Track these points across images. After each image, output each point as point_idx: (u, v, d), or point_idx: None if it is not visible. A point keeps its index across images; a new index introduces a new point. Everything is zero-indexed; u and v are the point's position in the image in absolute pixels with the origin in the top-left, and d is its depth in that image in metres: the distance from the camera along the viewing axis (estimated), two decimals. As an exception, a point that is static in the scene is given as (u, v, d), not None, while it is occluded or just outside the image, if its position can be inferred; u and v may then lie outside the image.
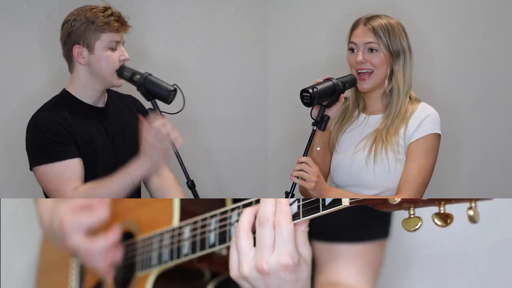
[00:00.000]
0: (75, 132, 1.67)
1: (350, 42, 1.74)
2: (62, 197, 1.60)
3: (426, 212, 0.88)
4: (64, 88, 1.76)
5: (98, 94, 1.75)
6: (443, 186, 2.25)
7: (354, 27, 1.74)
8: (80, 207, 1.55)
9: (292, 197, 1.62)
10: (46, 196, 1.73)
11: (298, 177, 1.62)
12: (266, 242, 1.01)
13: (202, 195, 1.72)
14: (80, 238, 1.52)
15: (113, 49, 1.68)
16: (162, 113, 1.64)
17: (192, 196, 1.68)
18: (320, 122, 1.70)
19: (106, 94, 1.80)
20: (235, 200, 1.40)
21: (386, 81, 1.73)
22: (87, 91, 1.73)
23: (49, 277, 1.81)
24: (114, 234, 1.51)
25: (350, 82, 1.72)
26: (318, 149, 1.75)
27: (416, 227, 0.84)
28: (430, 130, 1.66)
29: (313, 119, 1.71)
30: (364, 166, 1.68)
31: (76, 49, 1.68)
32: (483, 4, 2.22)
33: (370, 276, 1.47)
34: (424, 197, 0.90)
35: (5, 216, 2.05)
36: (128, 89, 1.78)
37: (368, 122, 1.76)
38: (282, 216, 1.02)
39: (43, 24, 2.20)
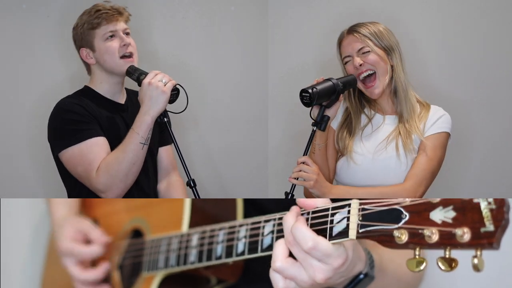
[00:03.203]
0: (98, 118, 1.74)
1: (342, 57, 1.77)
2: (91, 177, 1.64)
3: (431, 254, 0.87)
4: (85, 85, 1.84)
5: (116, 87, 1.83)
6: (452, 184, 2.25)
7: (340, 41, 1.78)
8: (79, 237, 1.58)
9: (292, 197, 1.62)
10: (70, 185, 1.77)
11: (297, 178, 1.62)
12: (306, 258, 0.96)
13: (202, 195, 1.72)
14: (71, 264, 1.57)
15: (111, 39, 1.75)
16: (167, 112, 1.72)
17: (192, 195, 1.68)
18: (320, 123, 1.70)
19: (125, 92, 1.88)
20: (246, 201, 1.40)
21: (390, 79, 1.75)
22: (105, 86, 1.81)
23: (57, 265, 1.82)
24: (100, 272, 1.55)
25: (350, 83, 1.73)
26: (320, 149, 1.75)
27: (421, 268, 0.85)
28: (443, 128, 1.73)
29: (313, 119, 1.71)
30: (393, 166, 1.70)
31: (83, 52, 1.79)
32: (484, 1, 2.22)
33: None
34: (435, 196, 0.88)
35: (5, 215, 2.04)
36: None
37: (385, 122, 1.78)
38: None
39: (43, 24, 2.21)
